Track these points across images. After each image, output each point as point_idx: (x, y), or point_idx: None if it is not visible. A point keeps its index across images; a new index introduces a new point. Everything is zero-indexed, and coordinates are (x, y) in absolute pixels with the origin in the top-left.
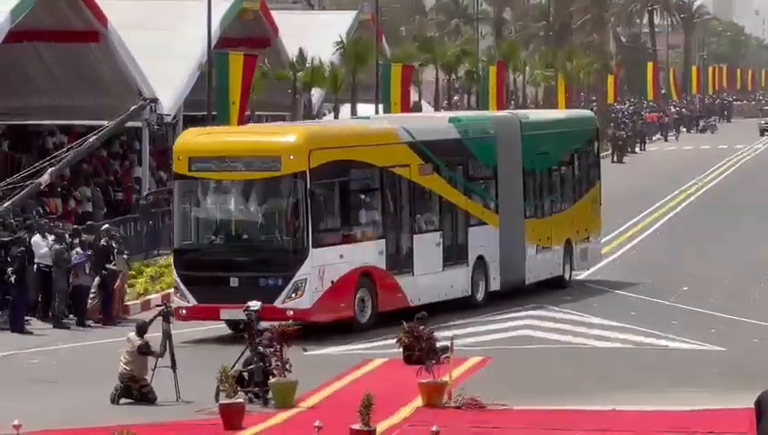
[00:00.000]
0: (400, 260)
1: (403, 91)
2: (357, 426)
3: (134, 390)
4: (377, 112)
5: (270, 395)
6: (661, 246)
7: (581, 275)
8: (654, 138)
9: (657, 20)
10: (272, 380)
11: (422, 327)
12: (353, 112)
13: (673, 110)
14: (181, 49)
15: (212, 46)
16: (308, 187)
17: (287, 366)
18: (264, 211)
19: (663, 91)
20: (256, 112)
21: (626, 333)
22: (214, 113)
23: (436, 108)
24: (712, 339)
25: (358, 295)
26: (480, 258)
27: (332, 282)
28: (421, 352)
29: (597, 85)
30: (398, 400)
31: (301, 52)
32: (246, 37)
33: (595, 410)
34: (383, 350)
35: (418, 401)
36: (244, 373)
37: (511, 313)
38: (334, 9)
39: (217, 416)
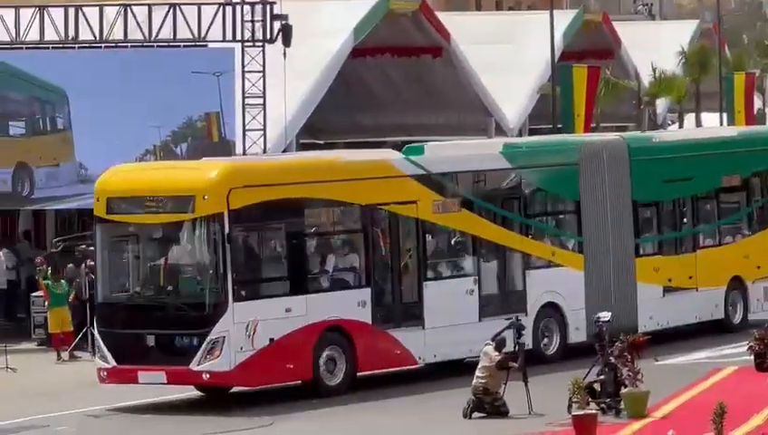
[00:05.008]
0: (399, 312)
1: (746, 99)
2: None
3: (486, 403)
4: (720, 123)
5: (622, 405)
6: None
7: None
8: None
9: None
10: (623, 390)
11: None
12: (697, 123)
13: None
14: (524, 63)
15: (555, 59)
16: (226, 231)
17: (639, 376)
18: (179, 260)
19: None
20: (601, 124)
21: None
22: (559, 126)
23: None
24: None
25: (324, 354)
26: (550, 306)
27: (272, 340)
28: None
29: None
30: (750, 408)
31: (652, 65)
32: (589, 49)
33: None
34: (734, 358)
35: None
36: (596, 384)
37: None
38: (675, 19)
39: (570, 427)
